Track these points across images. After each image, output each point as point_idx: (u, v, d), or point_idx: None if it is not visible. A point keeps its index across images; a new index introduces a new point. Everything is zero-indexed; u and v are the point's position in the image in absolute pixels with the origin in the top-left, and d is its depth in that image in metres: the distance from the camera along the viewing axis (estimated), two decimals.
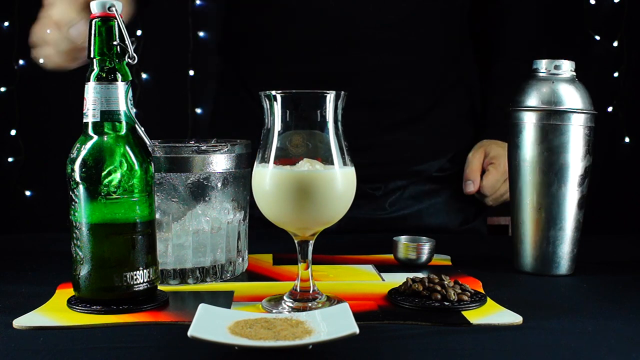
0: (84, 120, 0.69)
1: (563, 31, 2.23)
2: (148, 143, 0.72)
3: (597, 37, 2.24)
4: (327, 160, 0.68)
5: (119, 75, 0.69)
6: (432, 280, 0.72)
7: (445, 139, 1.21)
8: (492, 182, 1.16)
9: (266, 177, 0.68)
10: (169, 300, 0.71)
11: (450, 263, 0.90)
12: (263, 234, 0.92)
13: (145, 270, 0.69)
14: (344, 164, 0.69)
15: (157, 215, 0.76)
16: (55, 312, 0.67)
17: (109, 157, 0.68)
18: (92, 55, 0.69)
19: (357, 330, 0.55)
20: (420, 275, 0.76)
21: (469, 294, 0.70)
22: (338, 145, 0.69)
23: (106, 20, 0.68)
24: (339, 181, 0.68)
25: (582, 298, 0.75)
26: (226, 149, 0.79)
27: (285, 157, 0.68)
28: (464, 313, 0.67)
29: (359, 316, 0.63)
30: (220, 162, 0.78)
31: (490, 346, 0.59)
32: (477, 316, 0.66)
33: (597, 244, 1.02)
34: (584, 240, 0.86)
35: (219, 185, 0.79)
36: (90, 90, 0.68)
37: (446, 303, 0.69)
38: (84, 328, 0.63)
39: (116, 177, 0.68)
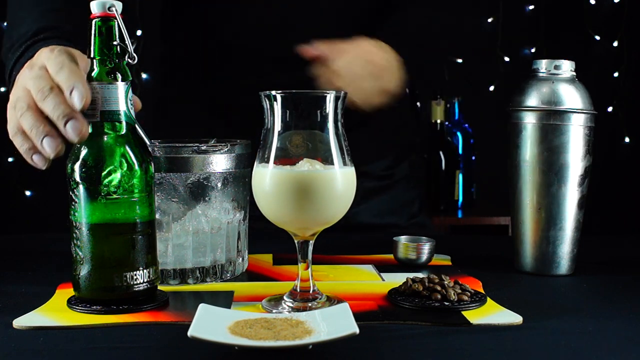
0: None
1: (563, 31, 2.23)
2: (148, 143, 0.72)
3: (597, 37, 2.24)
4: (327, 160, 0.68)
5: (119, 75, 0.69)
6: (432, 280, 0.72)
7: (390, 138, 1.23)
8: (346, 59, 1.00)
9: (266, 177, 0.68)
10: (169, 300, 0.71)
11: (450, 263, 0.90)
12: (263, 234, 0.92)
13: (145, 271, 0.69)
14: (344, 164, 0.69)
15: (157, 215, 0.76)
16: (55, 312, 0.67)
17: (109, 157, 0.68)
18: (92, 55, 0.69)
19: (357, 330, 0.55)
20: (420, 275, 0.76)
21: (469, 294, 0.70)
22: (338, 145, 0.69)
23: (106, 20, 0.68)
24: (339, 181, 0.68)
25: (582, 298, 0.76)
26: (226, 149, 0.79)
27: (285, 157, 0.68)
28: (464, 313, 0.67)
29: (359, 316, 0.63)
30: (220, 162, 0.78)
31: (490, 346, 0.59)
32: (477, 316, 0.66)
33: (597, 244, 1.02)
34: (584, 240, 0.86)
35: (219, 185, 0.79)
36: (90, 90, 0.68)
37: (446, 303, 0.69)
38: (84, 328, 0.63)
39: (116, 177, 0.68)
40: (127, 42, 0.69)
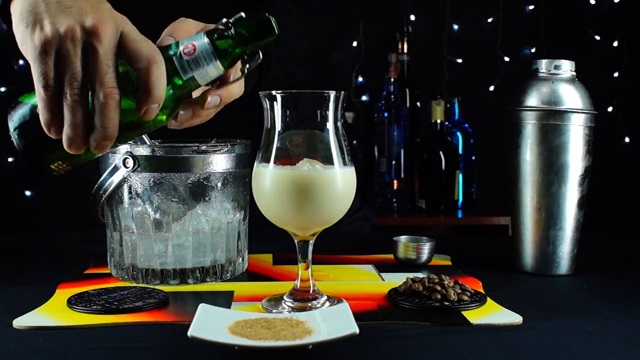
0: None
1: (563, 31, 2.23)
2: (148, 143, 0.72)
3: (597, 37, 2.24)
4: (327, 160, 0.68)
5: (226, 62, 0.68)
6: (432, 280, 0.72)
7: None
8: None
9: (266, 177, 0.68)
10: (169, 300, 0.71)
11: (450, 263, 0.90)
12: (263, 234, 0.92)
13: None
14: (344, 164, 0.69)
15: (157, 216, 0.76)
16: (55, 312, 0.67)
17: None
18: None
19: (357, 330, 0.55)
20: (420, 275, 0.76)
21: (469, 294, 0.70)
22: (338, 145, 0.69)
23: None
24: (339, 181, 0.68)
25: (582, 298, 0.76)
26: (226, 149, 0.79)
27: (286, 157, 0.68)
28: (464, 313, 0.67)
29: (359, 316, 0.63)
30: (220, 162, 0.78)
31: (490, 346, 0.59)
32: (477, 316, 0.66)
33: (597, 244, 1.03)
34: (584, 240, 0.86)
35: (219, 185, 0.79)
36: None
37: (446, 303, 0.69)
38: (84, 328, 0.63)
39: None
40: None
